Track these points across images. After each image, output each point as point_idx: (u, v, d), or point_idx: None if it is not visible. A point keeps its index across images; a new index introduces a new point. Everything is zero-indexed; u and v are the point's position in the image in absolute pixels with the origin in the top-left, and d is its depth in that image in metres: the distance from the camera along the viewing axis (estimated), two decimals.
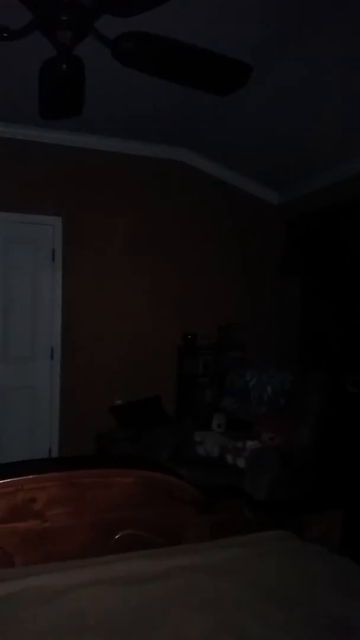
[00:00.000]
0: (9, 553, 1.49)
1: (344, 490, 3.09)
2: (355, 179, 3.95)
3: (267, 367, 4.17)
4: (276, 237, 4.87)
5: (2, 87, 3.40)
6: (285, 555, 1.62)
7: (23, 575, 1.39)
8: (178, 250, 4.66)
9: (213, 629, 1.26)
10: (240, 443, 3.45)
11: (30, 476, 1.54)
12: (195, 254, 4.72)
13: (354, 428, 3.48)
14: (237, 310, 4.78)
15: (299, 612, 1.34)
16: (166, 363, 4.59)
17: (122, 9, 1.71)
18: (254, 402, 4.03)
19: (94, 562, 1.49)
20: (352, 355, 3.93)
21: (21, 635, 1.18)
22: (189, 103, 3.47)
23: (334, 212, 4.19)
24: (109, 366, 4.40)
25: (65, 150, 4.26)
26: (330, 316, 4.25)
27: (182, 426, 4.14)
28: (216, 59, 2.00)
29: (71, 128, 4.02)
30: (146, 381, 4.46)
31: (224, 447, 3.53)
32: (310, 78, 3.10)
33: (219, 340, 4.68)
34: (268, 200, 4.97)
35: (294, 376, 3.85)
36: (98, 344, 4.38)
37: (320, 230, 4.32)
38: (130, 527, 1.65)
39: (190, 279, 4.69)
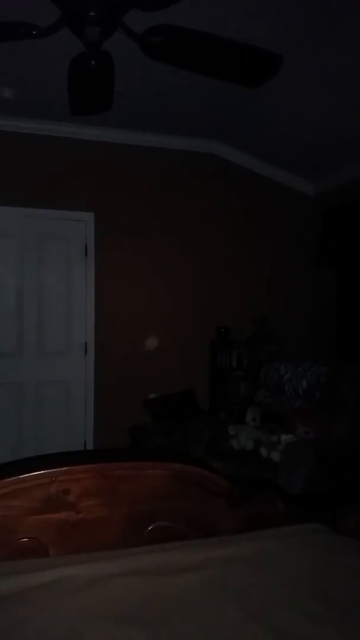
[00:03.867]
0: (44, 544, 1.52)
1: None
2: None
3: (302, 360, 4.11)
4: (311, 229, 4.79)
5: (34, 85, 3.45)
6: (319, 548, 1.60)
7: (57, 565, 1.41)
8: (212, 244, 4.65)
9: (246, 620, 1.25)
10: (275, 437, 3.43)
11: (64, 468, 1.56)
12: (229, 246, 4.70)
13: None
14: (271, 302, 4.74)
15: (333, 604, 1.32)
16: (200, 357, 4.59)
17: (150, 3, 1.71)
18: (289, 395, 3.99)
19: (128, 553, 1.51)
20: None
21: (53, 623, 1.20)
22: (221, 95, 3.44)
23: None
24: (142, 360, 4.43)
25: (97, 146, 4.30)
26: None
27: (216, 420, 4.14)
28: (246, 50, 1.97)
29: (103, 123, 4.05)
30: (180, 375, 4.48)
31: (259, 440, 3.51)
32: (344, 65, 3.02)
33: (253, 334, 4.65)
34: (303, 191, 4.90)
35: (330, 369, 3.78)
36: (131, 339, 4.42)
37: (358, 221, 4.23)
38: (163, 519, 1.66)
39: (224, 272, 4.67)
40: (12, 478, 1.50)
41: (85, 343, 4.32)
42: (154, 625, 1.22)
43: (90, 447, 4.26)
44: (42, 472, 1.53)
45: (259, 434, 3.57)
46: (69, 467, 1.58)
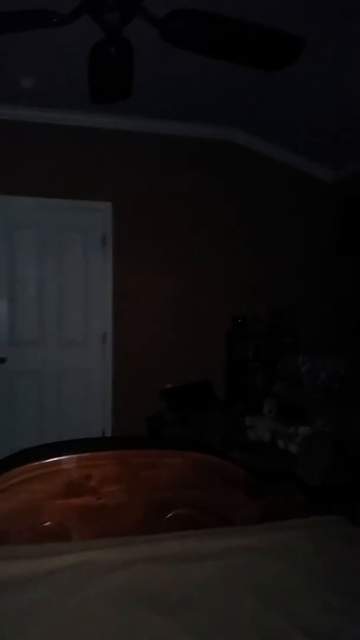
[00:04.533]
0: (66, 527, 1.55)
1: None
2: None
3: (321, 351, 4.08)
4: (331, 217, 4.73)
5: (51, 73, 3.44)
6: (338, 540, 1.60)
7: (80, 549, 1.44)
8: (229, 232, 4.61)
9: (264, 609, 1.26)
10: (293, 428, 3.42)
11: (86, 454, 1.58)
12: (247, 235, 4.66)
13: None
14: (289, 292, 4.70)
15: (351, 595, 1.32)
16: (216, 347, 4.58)
17: None
18: (307, 387, 3.97)
19: (148, 540, 1.52)
20: None
21: (76, 606, 1.23)
22: (239, 80, 3.39)
23: None
24: (159, 350, 4.43)
25: (115, 135, 4.28)
26: None
27: (233, 411, 4.13)
28: (267, 34, 1.94)
29: (121, 112, 4.03)
30: (196, 365, 4.47)
31: (276, 432, 3.50)
32: None
33: (271, 324, 4.62)
34: (323, 179, 4.82)
35: (349, 361, 3.75)
36: (148, 328, 4.42)
37: None
38: (183, 507, 1.67)
39: (242, 262, 4.64)
40: (36, 463, 1.52)
41: (104, 333, 4.34)
42: (173, 612, 1.23)
43: (108, 434, 4.29)
44: (64, 457, 1.55)
45: (276, 425, 3.56)
46: (91, 454, 1.59)
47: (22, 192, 4.10)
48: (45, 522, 1.53)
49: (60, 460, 1.54)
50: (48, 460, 1.53)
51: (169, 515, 1.66)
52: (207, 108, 4.05)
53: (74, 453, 1.57)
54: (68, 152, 4.20)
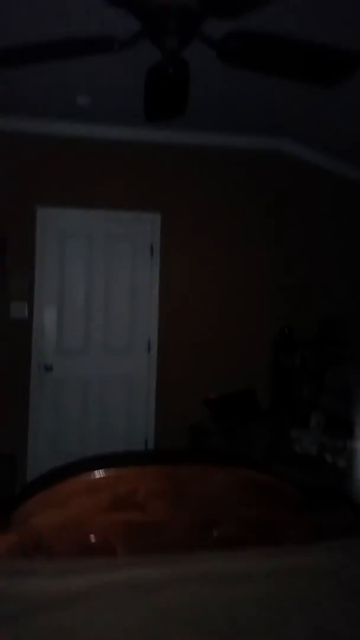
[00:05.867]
0: (112, 543, 1.54)
1: None
2: None
3: None
4: None
5: (103, 90, 3.51)
6: None
7: (124, 566, 1.44)
8: (278, 242, 4.58)
9: (313, 633, 1.24)
10: (341, 442, 3.35)
11: (132, 468, 1.60)
12: (295, 244, 4.61)
13: None
14: (340, 302, 4.61)
15: None
16: (261, 357, 4.55)
17: (228, 12, 1.71)
18: (357, 400, 3.88)
19: (195, 559, 1.52)
20: None
21: (119, 624, 1.22)
22: (291, 90, 3.35)
23: None
24: (203, 359, 4.45)
25: (164, 148, 4.35)
26: None
27: (278, 422, 4.09)
28: (322, 51, 1.93)
29: (170, 125, 4.06)
30: (241, 374, 4.46)
31: (323, 445, 3.44)
32: None
33: (320, 334, 4.54)
34: None
35: None
36: (193, 337, 4.45)
37: None
38: (229, 524, 1.66)
39: (291, 271, 4.59)
40: (83, 476, 1.54)
41: (149, 341, 4.39)
42: (220, 634, 1.22)
43: (151, 444, 4.34)
44: (111, 470, 1.55)
45: (324, 439, 3.50)
46: (138, 468, 1.61)
47: (73, 204, 4.22)
48: (91, 537, 1.53)
49: (106, 473, 1.55)
50: (95, 473, 1.53)
51: (216, 532, 1.65)
52: (255, 117, 4.02)
53: (121, 466, 1.58)
54: (118, 165, 4.30)
